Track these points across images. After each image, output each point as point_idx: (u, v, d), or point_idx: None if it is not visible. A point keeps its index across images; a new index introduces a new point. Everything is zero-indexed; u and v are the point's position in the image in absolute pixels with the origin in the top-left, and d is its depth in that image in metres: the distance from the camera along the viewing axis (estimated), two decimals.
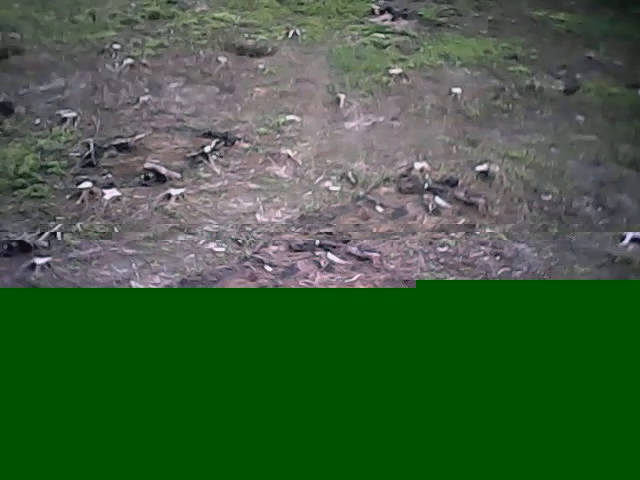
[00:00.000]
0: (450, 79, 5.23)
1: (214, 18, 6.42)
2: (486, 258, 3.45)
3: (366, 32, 6.20)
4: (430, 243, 3.53)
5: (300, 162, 4.11)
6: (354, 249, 3.45)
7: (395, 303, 2.36)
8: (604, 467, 2.02)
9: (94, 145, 4.08)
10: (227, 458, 2.00)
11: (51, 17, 6.56)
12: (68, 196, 3.67)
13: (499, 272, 3.36)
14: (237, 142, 4.26)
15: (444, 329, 2.23)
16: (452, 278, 3.29)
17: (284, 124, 4.53)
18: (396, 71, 5.28)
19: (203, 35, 6.00)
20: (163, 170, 3.83)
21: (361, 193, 3.82)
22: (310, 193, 3.81)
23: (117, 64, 5.35)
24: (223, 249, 3.45)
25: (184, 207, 3.61)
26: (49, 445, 1.99)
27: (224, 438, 2.02)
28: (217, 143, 4.18)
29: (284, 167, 4.06)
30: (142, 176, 3.82)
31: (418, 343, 2.20)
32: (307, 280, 3.25)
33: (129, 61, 5.34)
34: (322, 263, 3.33)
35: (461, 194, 3.80)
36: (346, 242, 3.52)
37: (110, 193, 3.65)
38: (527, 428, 2.06)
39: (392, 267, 3.37)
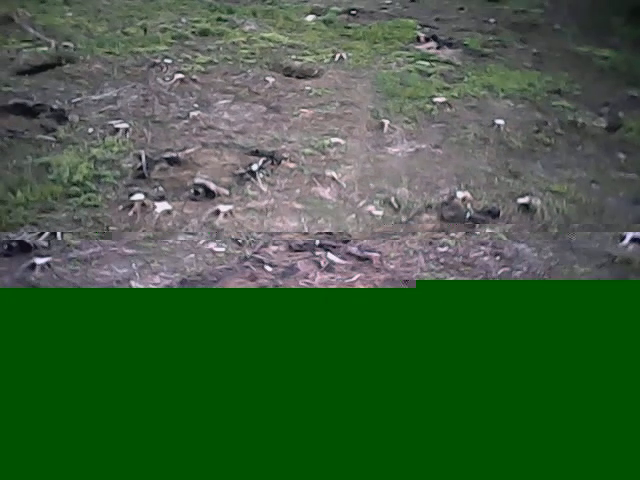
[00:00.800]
0: (493, 110, 5.29)
1: (262, 38, 6.55)
2: (486, 258, 3.47)
3: (411, 59, 6.29)
4: (430, 243, 3.56)
5: (344, 185, 4.18)
6: (354, 249, 3.48)
7: (395, 303, 2.38)
8: (604, 466, 2.02)
9: (145, 157, 4.17)
10: (227, 457, 2.01)
11: (103, 28, 6.72)
12: (121, 207, 3.74)
13: (499, 272, 3.38)
14: (283, 162, 4.34)
15: (444, 329, 2.24)
16: (452, 278, 3.30)
17: (329, 146, 4.60)
18: (440, 99, 5.36)
19: (251, 54, 6.12)
20: (212, 186, 3.91)
21: (403, 219, 3.88)
22: (354, 216, 3.88)
23: (168, 78, 5.48)
24: (223, 249, 3.48)
25: (232, 224, 3.68)
26: (49, 444, 2.00)
27: (224, 437, 2.03)
28: (264, 162, 4.26)
29: (328, 189, 4.13)
30: (192, 190, 3.90)
31: (418, 343, 2.21)
32: (307, 280, 3.26)
33: (179, 76, 5.47)
34: (322, 263, 3.36)
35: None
36: (346, 242, 3.54)
37: (161, 206, 3.73)
38: (527, 427, 2.06)
39: (392, 267, 3.38)
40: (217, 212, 3.71)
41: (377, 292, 3.07)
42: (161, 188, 3.92)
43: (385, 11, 7.94)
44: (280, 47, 6.37)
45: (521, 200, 4.04)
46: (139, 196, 3.76)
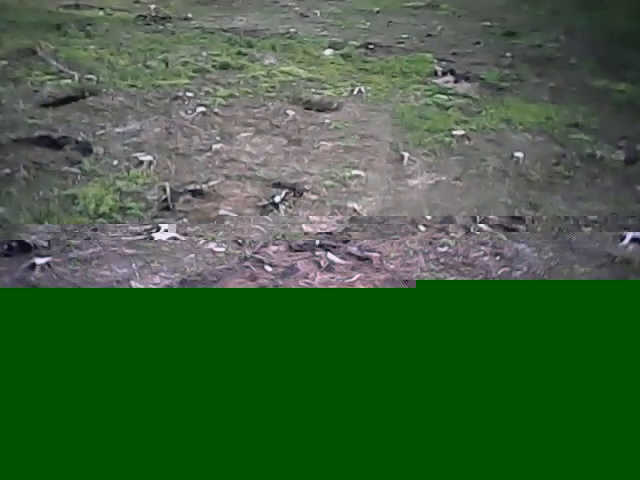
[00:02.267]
0: (512, 143, 5.33)
1: (282, 72, 6.66)
2: (486, 258, 3.47)
3: (429, 93, 6.37)
4: (430, 243, 3.57)
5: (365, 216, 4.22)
6: (354, 249, 3.48)
7: (395, 303, 2.37)
8: (604, 466, 2.01)
9: (170, 189, 4.23)
10: (227, 457, 2.00)
11: (125, 61, 6.84)
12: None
13: (499, 272, 3.37)
14: (305, 193, 4.39)
15: (444, 329, 2.23)
16: (452, 278, 3.29)
17: (350, 178, 4.65)
18: (459, 132, 5.41)
19: (272, 88, 6.21)
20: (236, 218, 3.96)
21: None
22: None
23: (190, 111, 5.56)
24: (223, 249, 3.50)
25: None
26: (49, 444, 2.00)
27: (224, 437, 2.03)
28: (286, 194, 4.31)
29: None
30: (216, 222, 3.94)
31: (418, 343, 2.20)
32: (307, 280, 3.26)
33: (201, 109, 5.55)
34: (322, 263, 3.36)
35: None
36: (346, 242, 3.54)
37: None
38: (527, 427, 2.06)
39: (392, 267, 3.38)
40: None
41: (377, 292, 3.06)
42: (186, 220, 3.96)
43: (402, 45, 8.06)
44: (299, 81, 6.47)
45: None
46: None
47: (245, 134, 5.26)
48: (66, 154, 4.76)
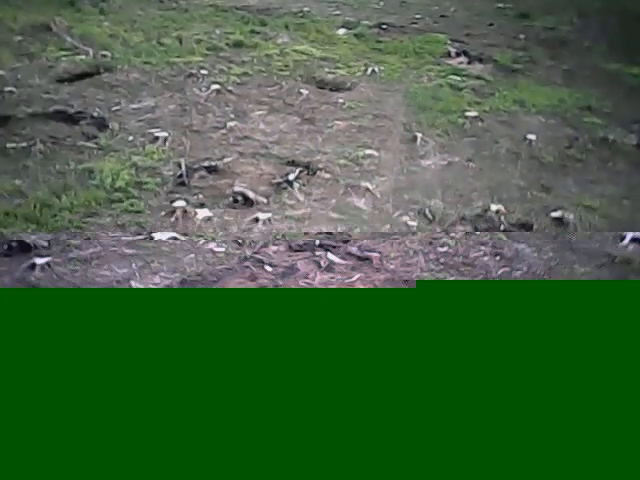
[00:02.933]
0: (525, 125, 5.35)
1: (295, 50, 6.66)
2: (486, 258, 3.49)
3: (442, 74, 6.37)
4: (430, 243, 3.59)
5: (379, 195, 4.24)
6: (354, 249, 3.50)
7: (395, 303, 2.38)
8: (604, 466, 2.02)
9: (185, 165, 4.27)
10: (227, 457, 2.01)
11: (139, 38, 6.85)
12: (163, 213, 3.82)
13: (499, 272, 3.39)
14: (319, 172, 4.42)
15: (444, 329, 2.24)
16: (452, 278, 3.31)
17: (363, 158, 4.67)
18: (472, 114, 5.42)
19: (285, 66, 6.23)
20: (251, 194, 3.99)
21: (438, 230, 3.94)
22: (389, 226, 3.94)
23: (204, 88, 5.59)
24: (223, 249, 3.52)
25: (270, 231, 3.76)
26: (49, 444, 2.00)
27: (224, 437, 2.03)
28: (300, 172, 4.34)
29: (363, 199, 4.20)
30: (231, 198, 3.98)
31: (418, 343, 2.21)
32: (307, 280, 3.27)
33: (216, 87, 5.58)
34: (322, 263, 3.38)
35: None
36: (346, 242, 3.56)
37: (202, 213, 3.80)
38: (527, 427, 2.06)
39: (392, 267, 3.40)
40: (256, 219, 3.79)
41: (377, 292, 3.06)
42: (201, 195, 4.00)
43: (415, 26, 8.04)
44: (313, 60, 6.48)
45: (554, 214, 4.08)
46: (181, 203, 3.83)
47: (259, 112, 5.28)
48: (82, 129, 4.80)
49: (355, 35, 7.44)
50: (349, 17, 8.12)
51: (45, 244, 3.45)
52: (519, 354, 2.20)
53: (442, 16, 8.50)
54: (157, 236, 3.58)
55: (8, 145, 4.44)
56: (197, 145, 4.65)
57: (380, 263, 3.42)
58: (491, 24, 8.19)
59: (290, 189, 4.16)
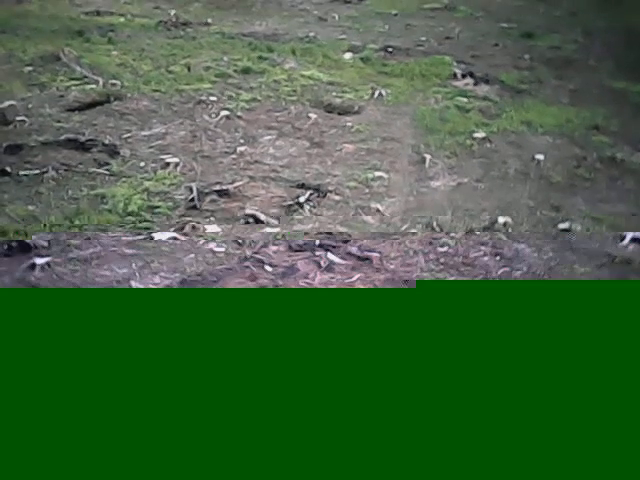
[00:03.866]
0: (532, 145, 5.37)
1: (302, 75, 6.71)
2: (486, 258, 3.50)
3: (449, 95, 6.41)
4: (430, 243, 3.60)
5: (388, 216, 4.26)
6: (354, 249, 3.51)
7: (395, 303, 2.38)
8: (604, 466, 2.02)
9: (197, 189, 4.30)
10: (227, 457, 2.02)
11: (148, 66, 6.92)
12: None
13: (499, 272, 3.40)
14: (329, 194, 4.45)
15: (444, 329, 2.24)
16: (452, 278, 3.31)
17: (372, 180, 4.70)
18: (480, 135, 5.45)
19: (293, 91, 6.28)
20: (262, 216, 4.03)
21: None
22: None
23: (214, 115, 5.64)
24: (223, 249, 3.54)
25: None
26: (49, 444, 2.01)
27: (224, 437, 2.04)
28: (310, 194, 4.38)
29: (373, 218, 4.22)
30: (242, 221, 4.01)
31: (418, 343, 2.21)
32: (307, 280, 3.28)
33: (225, 113, 5.63)
34: (322, 263, 3.39)
35: None
36: (346, 242, 3.57)
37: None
38: (527, 427, 2.07)
39: (392, 267, 3.41)
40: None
41: (377, 292, 3.07)
42: (212, 218, 4.04)
43: (421, 48, 8.09)
44: (320, 84, 6.53)
45: (562, 225, 4.07)
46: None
47: (268, 137, 5.32)
48: (93, 156, 4.84)
49: (361, 59, 7.49)
50: (355, 41, 8.18)
51: (45, 244, 3.47)
52: (519, 354, 2.21)
53: (447, 38, 8.55)
54: (157, 236, 3.62)
55: (21, 172, 4.48)
56: (208, 170, 4.69)
57: (380, 263, 3.43)
58: (496, 44, 8.24)
59: (301, 211, 4.19)
